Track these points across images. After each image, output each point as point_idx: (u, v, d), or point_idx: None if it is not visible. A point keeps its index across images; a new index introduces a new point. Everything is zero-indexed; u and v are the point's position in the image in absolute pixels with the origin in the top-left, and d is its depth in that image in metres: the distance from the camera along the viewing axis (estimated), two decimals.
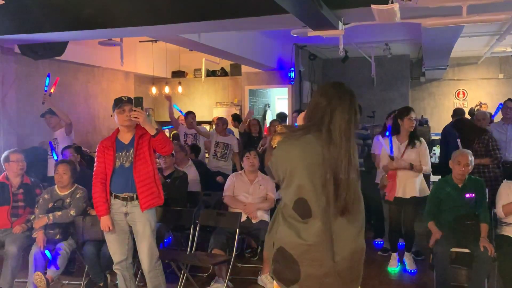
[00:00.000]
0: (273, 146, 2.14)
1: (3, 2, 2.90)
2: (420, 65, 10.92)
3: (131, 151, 3.64)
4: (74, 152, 5.30)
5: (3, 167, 4.61)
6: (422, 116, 10.00)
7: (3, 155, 4.60)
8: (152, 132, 3.57)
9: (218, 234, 4.45)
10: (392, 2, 3.27)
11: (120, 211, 3.68)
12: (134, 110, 3.51)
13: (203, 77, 9.56)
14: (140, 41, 8.67)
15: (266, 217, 4.75)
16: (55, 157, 5.34)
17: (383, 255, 5.21)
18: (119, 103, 3.65)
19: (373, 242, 5.67)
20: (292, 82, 9.58)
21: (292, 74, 9.47)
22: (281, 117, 8.12)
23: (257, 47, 8.40)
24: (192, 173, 5.51)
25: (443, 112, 11.41)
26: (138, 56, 9.05)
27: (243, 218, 4.54)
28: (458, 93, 11.96)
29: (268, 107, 10.88)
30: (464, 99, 11.87)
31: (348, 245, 2.09)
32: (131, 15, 4.40)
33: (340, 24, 4.10)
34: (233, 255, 4.20)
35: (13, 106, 6.01)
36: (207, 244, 4.45)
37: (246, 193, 4.77)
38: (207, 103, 10.47)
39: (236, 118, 8.24)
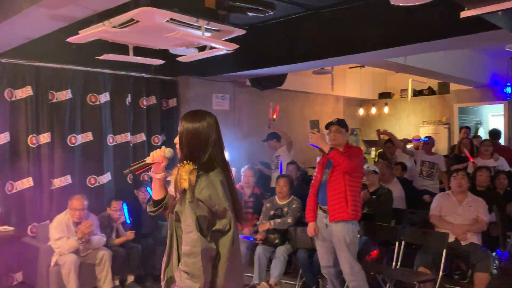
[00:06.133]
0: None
1: (237, 46, 3.34)
2: None
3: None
4: (295, 169, 5.69)
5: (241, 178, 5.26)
6: None
7: (242, 169, 5.24)
8: (326, 150, 3.65)
9: (424, 252, 4.18)
10: None
11: (322, 222, 3.82)
12: (311, 132, 3.65)
13: (409, 97, 9.19)
14: (349, 68, 8.84)
15: (476, 239, 4.26)
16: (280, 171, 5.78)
17: None
18: (326, 125, 3.87)
19: None
20: (509, 98, 8.41)
21: (509, 90, 8.32)
22: (493, 134, 7.11)
23: (466, 64, 7.65)
24: (397, 190, 5.31)
25: None
26: (347, 81, 9.22)
27: (451, 239, 4.16)
28: None
29: (481, 124, 9.77)
30: None
31: None
32: (340, 46, 4.54)
33: None
34: (440, 275, 3.88)
35: (245, 129, 6.80)
36: (410, 261, 4.23)
37: (455, 214, 4.37)
38: (413, 122, 9.98)
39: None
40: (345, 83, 9.16)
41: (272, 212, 4.80)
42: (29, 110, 4.68)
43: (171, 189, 2.05)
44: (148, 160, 2.07)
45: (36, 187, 4.71)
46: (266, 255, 4.60)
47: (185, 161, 1.98)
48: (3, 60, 4.50)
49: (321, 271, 3.99)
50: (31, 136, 4.68)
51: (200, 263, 1.87)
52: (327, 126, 3.85)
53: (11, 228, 4.32)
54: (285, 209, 4.76)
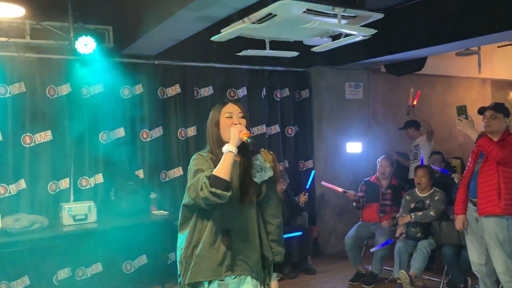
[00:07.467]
0: None
1: (376, 31, 3.19)
2: None
3: None
4: (440, 160, 5.29)
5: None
6: None
7: (378, 160, 5.04)
8: (474, 137, 3.36)
9: None
10: None
11: (472, 216, 3.51)
12: (458, 119, 3.38)
13: None
14: (498, 47, 7.87)
15: None
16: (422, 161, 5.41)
17: None
18: (479, 110, 3.57)
19: None
20: None
21: None
22: None
23: None
24: None
25: None
26: (496, 62, 8.24)
27: None
28: None
29: None
30: None
31: None
32: (491, 22, 4.07)
33: None
34: None
35: (379, 117, 6.53)
36: None
37: None
38: None
39: None
40: (493, 63, 8.20)
41: (412, 205, 4.54)
42: (178, 106, 5.12)
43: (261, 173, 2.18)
44: (244, 137, 2.07)
45: (185, 176, 5.13)
46: (407, 250, 4.37)
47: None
48: (156, 62, 4.99)
49: (472, 268, 3.66)
50: (180, 129, 5.12)
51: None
52: (481, 111, 3.49)
53: (166, 212, 4.79)
54: (427, 202, 4.46)
